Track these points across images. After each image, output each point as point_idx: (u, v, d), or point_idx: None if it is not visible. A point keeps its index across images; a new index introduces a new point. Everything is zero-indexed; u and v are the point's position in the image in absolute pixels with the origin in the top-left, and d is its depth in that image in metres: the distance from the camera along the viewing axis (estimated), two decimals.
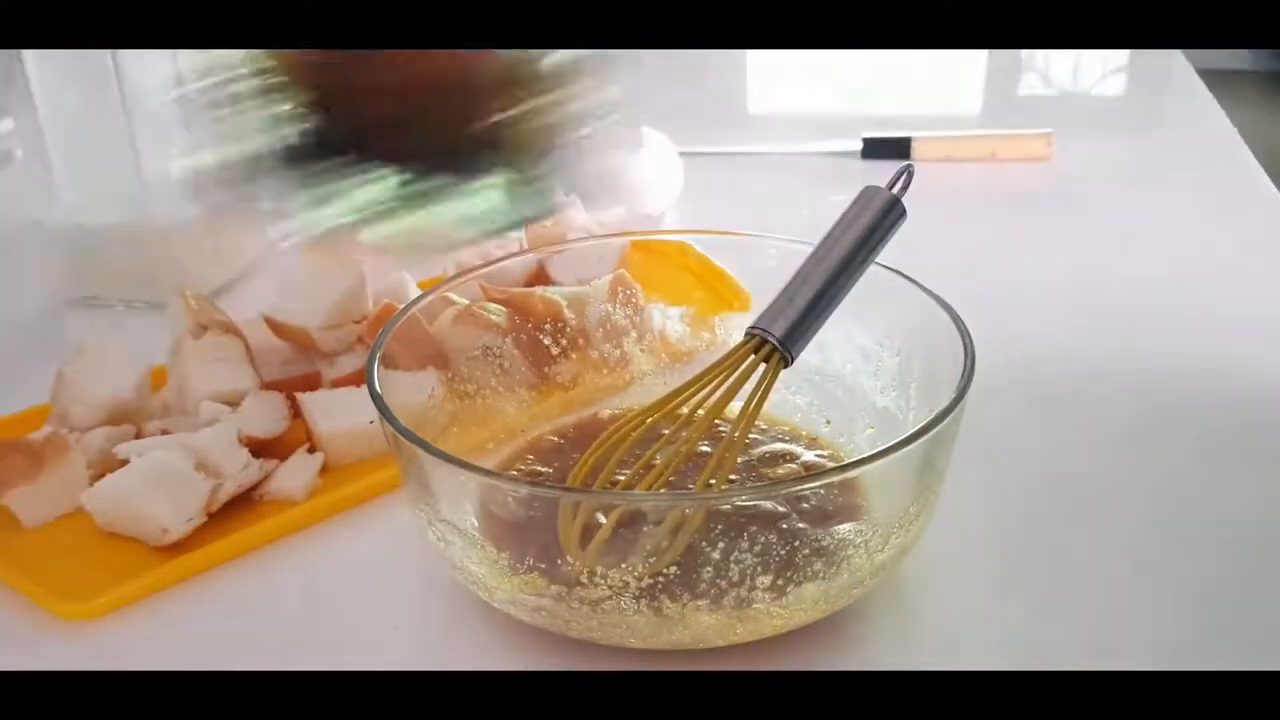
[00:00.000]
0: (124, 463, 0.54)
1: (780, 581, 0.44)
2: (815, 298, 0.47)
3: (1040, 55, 1.36)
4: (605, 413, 0.59)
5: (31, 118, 0.72)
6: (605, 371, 0.60)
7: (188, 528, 0.52)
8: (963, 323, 0.50)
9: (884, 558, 0.46)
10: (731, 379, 0.47)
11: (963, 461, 0.49)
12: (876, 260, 0.50)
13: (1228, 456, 0.60)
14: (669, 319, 0.63)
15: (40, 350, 0.73)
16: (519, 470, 0.55)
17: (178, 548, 0.52)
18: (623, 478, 0.48)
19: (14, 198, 0.91)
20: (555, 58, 0.60)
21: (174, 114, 0.73)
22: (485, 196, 0.63)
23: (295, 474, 0.56)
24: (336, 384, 0.61)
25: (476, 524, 0.47)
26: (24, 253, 0.86)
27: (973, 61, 1.32)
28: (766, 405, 0.47)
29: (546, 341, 0.59)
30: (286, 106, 0.59)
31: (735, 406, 0.48)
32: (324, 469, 0.57)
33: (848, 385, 0.57)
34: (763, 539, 0.45)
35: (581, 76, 0.65)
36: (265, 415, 0.58)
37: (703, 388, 0.48)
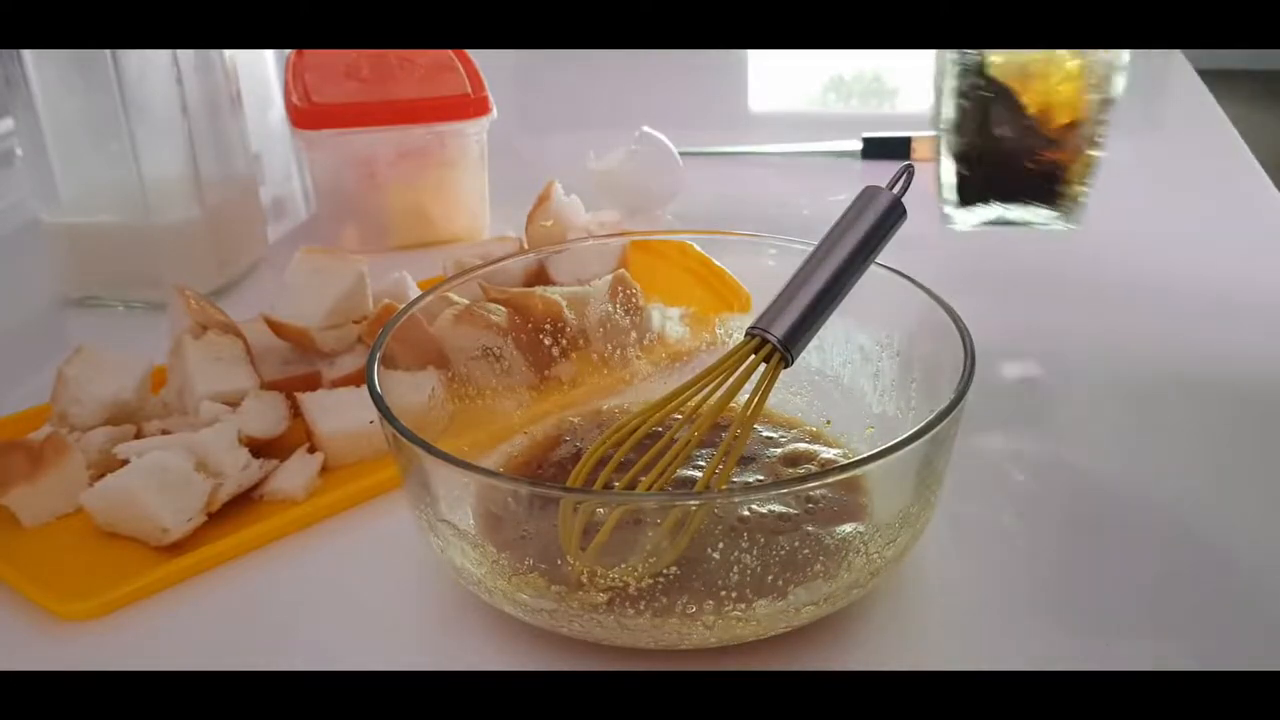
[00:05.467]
0: (124, 463, 0.54)
1: (780, 582, 0.44)
2: (815, 298, 0.47)
3: None
4: (605, 410, 0.59)
5: (31, 118, 0.72)
6: (605, 372, 0.60)
7: (188, 528, 0.52)
8: (962, 323, 0.50)
9: (884, 558, 0.46)
10: (731, 379, 0.47)
11: (963, 462, 0.49)
12: (876, 260, 0.50)
13: (1228, 453, 0.60)
14: (669, 319, 0.63)
15: (40, 350, 0.73)
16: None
17: (178, 548, 0.52)
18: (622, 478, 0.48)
19: (14, 198, 0.91)
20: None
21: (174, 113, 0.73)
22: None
23: (295, 474, 0.56)
24: (336, 384, 0.61)
25: (476, 524, 0.47)
26: (24, 253, 0.86)
27: None
28: (774, 405, 0.47)
29: (546, 341, 0.59)
30: None
31: (736, 408, 0.48)
32: (324, 469, 0.57)
33: (847, 386, 0.57)
34: (762, 539, 0.45)
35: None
36: (265, 415, 0.58)
37: (703, 388, 0.48)
